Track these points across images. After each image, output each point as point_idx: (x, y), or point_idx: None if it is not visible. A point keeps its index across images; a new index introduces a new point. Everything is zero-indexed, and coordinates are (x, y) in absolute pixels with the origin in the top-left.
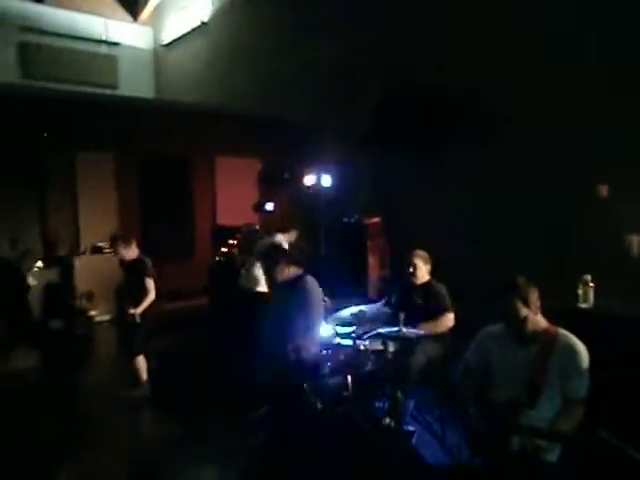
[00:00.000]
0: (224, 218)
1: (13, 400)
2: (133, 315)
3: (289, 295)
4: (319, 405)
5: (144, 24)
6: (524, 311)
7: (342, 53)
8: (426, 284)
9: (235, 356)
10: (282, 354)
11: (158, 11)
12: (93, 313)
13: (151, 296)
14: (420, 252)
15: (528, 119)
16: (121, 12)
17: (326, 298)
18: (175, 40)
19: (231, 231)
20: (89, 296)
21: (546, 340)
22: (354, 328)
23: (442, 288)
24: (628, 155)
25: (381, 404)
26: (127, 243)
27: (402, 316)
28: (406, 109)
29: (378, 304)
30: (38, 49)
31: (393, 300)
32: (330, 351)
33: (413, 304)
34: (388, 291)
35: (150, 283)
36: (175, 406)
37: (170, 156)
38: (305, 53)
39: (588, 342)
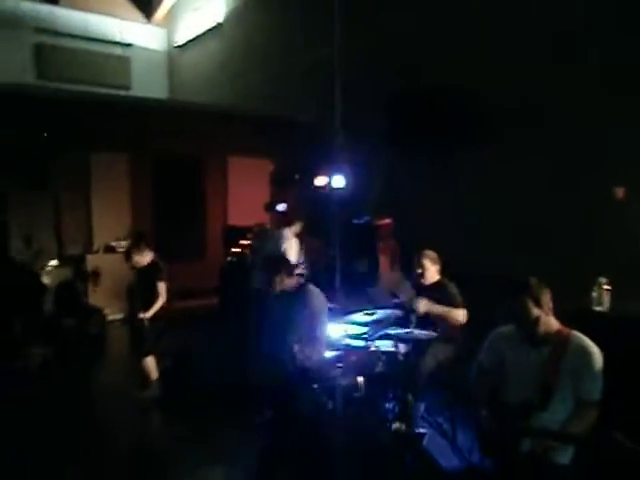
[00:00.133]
0: (236, 218)
1: (25, 398)
2: (142, 320)
3: (292, 305)
4: (329, 406)
5: (158, 25)
6: (536, 312)
7: (353, 53)
8: (436, 284)
9: (245, 357)
10: (284, 363)
11: (172, 12)
12: (106, 312)
13: (162, 300)
14: (429, 253)
15: (540, 119)
16: (135, 13)
17: (332, 305)
18: (189, 41)
19: (243, 231)
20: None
21: (558, 341)
22: (365, 329)
23: (452, 287)
24: None
25: (391, 406)
26: (140, 250)
27: (413, 317)
28: (417, 109)
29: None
30: (53, 50)
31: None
32: (341, 352)
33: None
34: (396, 295)
35: (162, 287)
36: (185, 406)
37: (183, 156)
38: (316, 53)
39: (603, 345)
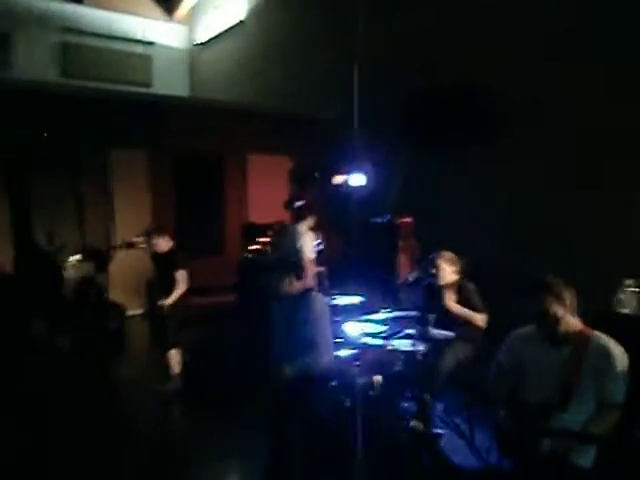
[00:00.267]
0: (255, 216)
1: (45, 392)
2: (162, 307)
3: (293, 310)
4: (347, 404)
5: (180, 23)
6: (558, 310)
7: (373, 51)
8: (455, 285)
9: (263, 354)
10: (291, 369)
11: (193, 10)
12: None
13: (182, 287)
14: (446, 253)
15: (563, 117)
16: (157, 11)
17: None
18: (210, 39)
19: (262, 229)
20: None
21: (580, 341)
22: (384, 328)
23: (472, 289)
24: None
25: (409, 405)
26: (161, 234)
27: (432, 317)
28: (437, 107)
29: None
30: (77, 49)
31: (419, 302)
32: (359, 351)
33: (441, 309)
34: (415, 292)
35: (181, 275)
36: (204, 401)
37: (203, 154)
38: (336, 51)
39: (629, 347)
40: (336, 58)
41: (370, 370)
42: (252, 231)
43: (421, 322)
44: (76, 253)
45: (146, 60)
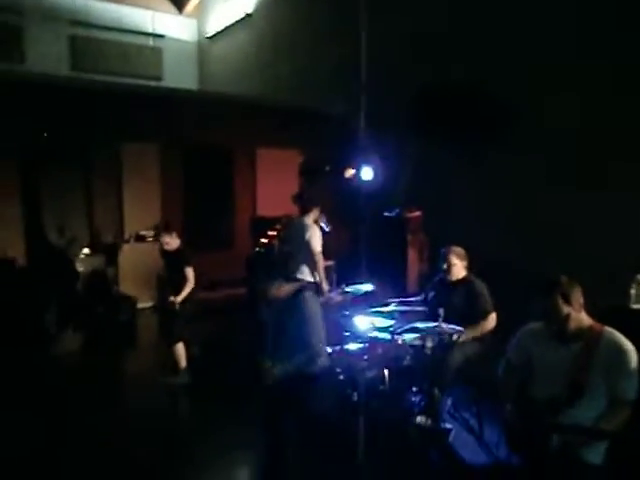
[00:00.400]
0: (264, 209)
1: (56, 383)
2: (173, 303)
3: (287, 313)
4: (355, 397)
5: (189, 16)
6: (566, 309)
7: (383, 44)
8: (465, 282)
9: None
10: (281, 368)
11: (203, 3)
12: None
13: (191, 284)
14: (456, 248)
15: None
16: (167, 4)
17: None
18: (219, 32)
19: (271, 222)
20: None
21: (590, 338)
22: (393, 322)
23: (482, 287)
24: None
25: (417, 400)
26: (169, 232)
27: (441, 312)
28: (447, 102)
29: (415, 298)
30: (87, 42)
31: (429, 297)
32: (367, 345)
33: (452, 304)
34: (424, 288)
35: (190, 272)
36: (213, 394)
37: (213, 147)
38: (345, 45)
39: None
40: (345, 51)
41: (379, 364)
42: (261, 225)
43: (431, 317)
44: (86, 246)
45: (157, 53)
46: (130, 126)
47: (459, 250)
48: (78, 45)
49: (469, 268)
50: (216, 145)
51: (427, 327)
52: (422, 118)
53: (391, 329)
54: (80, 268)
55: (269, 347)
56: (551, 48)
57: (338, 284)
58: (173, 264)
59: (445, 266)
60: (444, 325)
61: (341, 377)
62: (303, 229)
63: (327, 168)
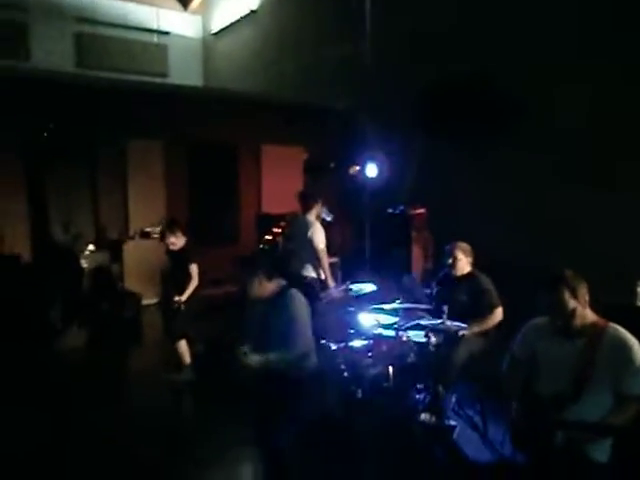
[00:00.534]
0: (269, 206)
1: (61, 380)
2: (177, 302)
3: (270, 311)
4: (359, 395)
5: (194, 13)
6: (572, 303)
7: (388, 42)
8: (470, 278)
9: None
10: (258, 359)
11: (208, 0)
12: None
13: (195, 282)
14: (461, 244)
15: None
16: (172, 1)
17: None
18: (224, 29)
19: (276, 219)
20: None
21: (594, 333)
22: (397, 319)
23: (488, 282)
24: None
25: (422, 397)
26: (174, 231)
27: (445, 308)
28: (452, 98)
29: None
30: (92, 39)
31: (434, 293)
32: (371, 341)
33: (457, 300)
34: (429, 285)
35: (194, 269)
36: (217, 391)
37: (217, 144)
38: (350, 42)
39: None
40: (349, 49)
41: (384, 361)
42: (266, 221)
43: (435, 313)
44: (91, 242)
45: (162, 50)
46: (135, 123)
47: (464, 246)
48: (83, 42)
49: (474, 264)
50: (221, 142)
51: (431, 324)
52: (427, 115)
53: (395, 326)
54: (85, 264)
55: (251, 344)
56: (555, 45)
57: (343, 281)
58: (177, 262)
59: (450, 261)
60: (448, 322)
61: (345, 374)
62: (306, 226)
63: (331, 165)
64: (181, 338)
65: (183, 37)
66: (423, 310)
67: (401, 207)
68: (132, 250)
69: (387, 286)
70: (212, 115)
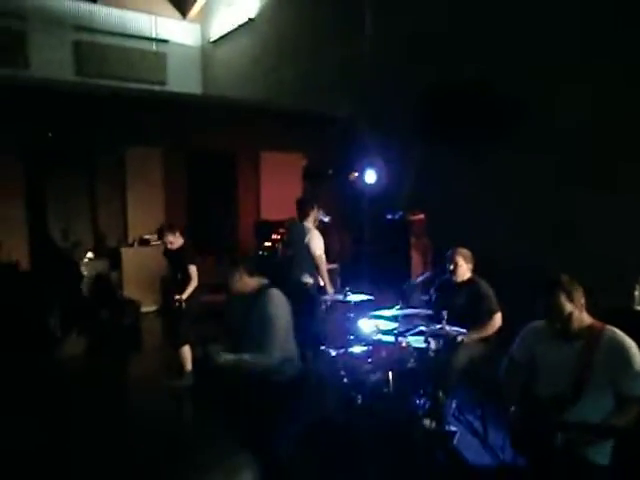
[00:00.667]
0: (268, 213)
1: (60, 386)
2: (178, 302)
3: (250, 309)
4: (359, 400)
5: (192, 21)
6: (569, 307)
7: (386, 47)
8: (469, 283)
9: None
10: (229, 357)
11: (206, 8)
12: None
13: (194, 282)
14: (462, 250)
15: (583, 115)
16: (170, 9)
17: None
18: (222, 37)
19: (274, 226)
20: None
21: (591, 336)
22: (396, 325)
23: (487, 288)
24: None
25: (422, 402)
26: (173, 231)
27: (445, 314)
28: (450, 103)
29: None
30: (91, 47)
31: (433, 299)
32: (370, 347)
33: (456, 306)
34: (428, 291)
35: (194, 270)
36: (218, 397)
37: (216, 151)
38: (348, 49)
39: None
40: (348, 55)
41: (384, 366)
42: (265, 228)
43: (435, 319)
44: (90, 250)
45: (161, 58)
46: (134, 130)
47: (465, 251)
48: (82, 50)
49: (474, 270)
50: (220, 149)
51: (431, 329)
52: (426, 119)
53: (395, 332)
54: (84, 272)
55: (230, 342)
56: (556, 46)
57: (342, 287)
58: (176, 263)
59: (451, 267)
60: (448, 327)
61: (345, 380)
62: (303, 232)
63: (330, 171)
64: (184, 344)
65: (182, 45)
66: (423, 316)
67: (400, 213)
68: (131, 257)
69: (386, 292)
70: (211, 122)
